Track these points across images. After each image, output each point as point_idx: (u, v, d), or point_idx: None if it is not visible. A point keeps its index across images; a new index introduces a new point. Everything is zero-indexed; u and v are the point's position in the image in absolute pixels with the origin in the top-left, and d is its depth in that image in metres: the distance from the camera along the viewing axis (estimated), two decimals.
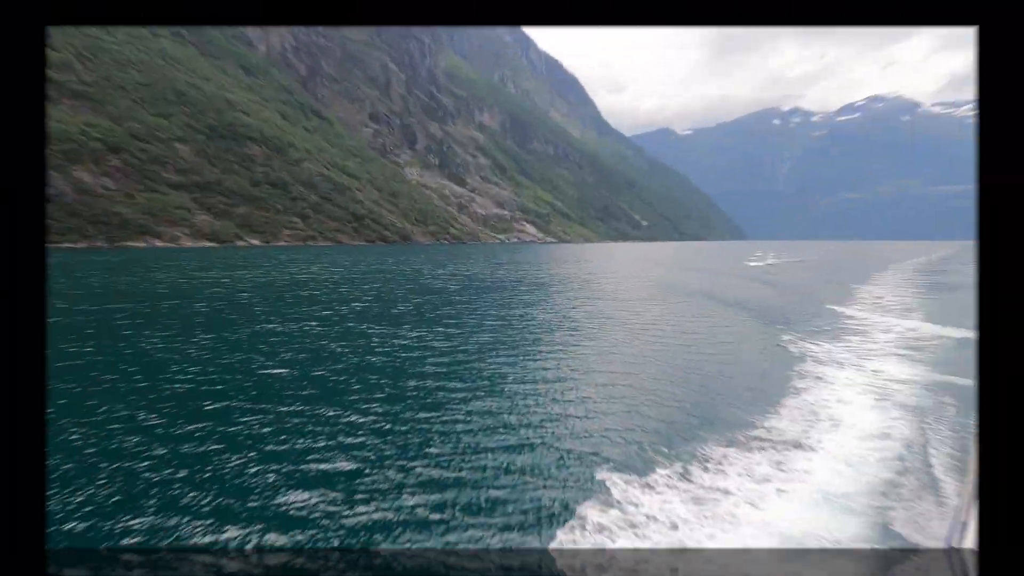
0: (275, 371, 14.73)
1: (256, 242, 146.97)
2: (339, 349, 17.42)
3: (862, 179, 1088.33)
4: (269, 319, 23.13)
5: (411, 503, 7.72)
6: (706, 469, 9.01)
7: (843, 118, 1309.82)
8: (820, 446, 10.00)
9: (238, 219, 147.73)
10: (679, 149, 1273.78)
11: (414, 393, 12.86)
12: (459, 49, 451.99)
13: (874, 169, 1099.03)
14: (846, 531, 7.14)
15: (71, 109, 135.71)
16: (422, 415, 11.41)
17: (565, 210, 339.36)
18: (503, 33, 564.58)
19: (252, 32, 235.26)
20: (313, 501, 7.71)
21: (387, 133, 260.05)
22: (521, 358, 16.58)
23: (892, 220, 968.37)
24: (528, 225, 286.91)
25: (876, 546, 6.75)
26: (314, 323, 22.32)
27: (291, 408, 11.67)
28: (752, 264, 78.60)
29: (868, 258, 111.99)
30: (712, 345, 18.78)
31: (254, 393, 12.77)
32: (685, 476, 8.64)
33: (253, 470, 8.75)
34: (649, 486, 8.28)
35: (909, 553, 6.63)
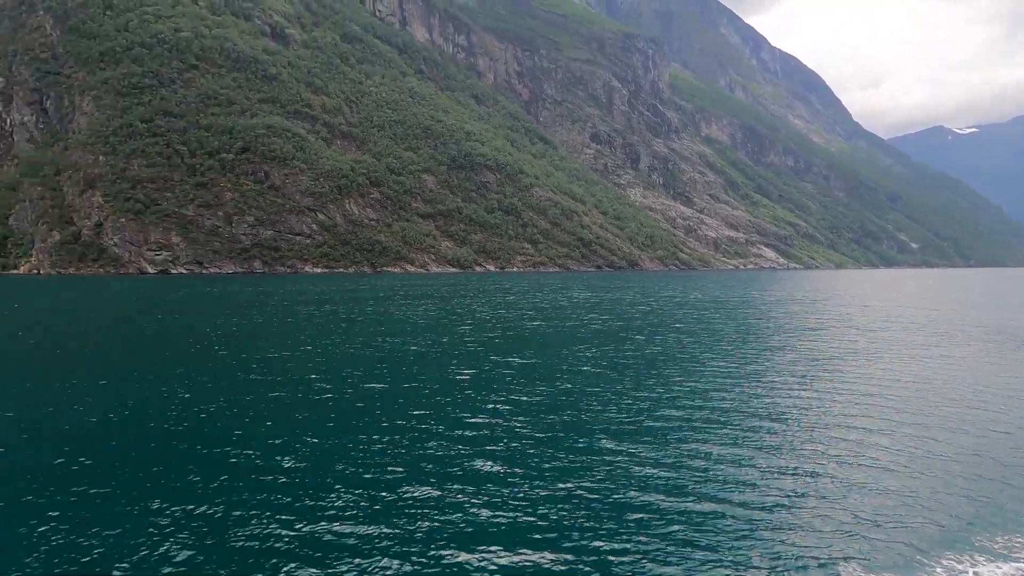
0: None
1: (492, 268, 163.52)
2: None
3: None
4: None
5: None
6: None
7: None
8: None
9: (476, 245, 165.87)
10: (957, 152, 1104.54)
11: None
12: (679, 56, 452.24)
13: None
14: None
15: (342, 148, 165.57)
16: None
17: (811, 231, 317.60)
18: (728, 33, 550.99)
19: (482, 62, 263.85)
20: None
21: (608, 153, 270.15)
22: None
23: None
24: (766, 249, 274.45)
25: None
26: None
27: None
28: None
29: None
30: None
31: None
32: None
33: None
34: None
35: None
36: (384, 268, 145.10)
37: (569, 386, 17.92)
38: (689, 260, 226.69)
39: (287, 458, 11.55)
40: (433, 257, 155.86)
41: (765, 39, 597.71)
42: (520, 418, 14.41)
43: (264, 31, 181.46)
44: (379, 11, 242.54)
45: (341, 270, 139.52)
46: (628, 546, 8.37)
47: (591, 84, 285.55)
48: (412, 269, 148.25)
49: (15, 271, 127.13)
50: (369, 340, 27.59)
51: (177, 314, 40.79)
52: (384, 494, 9.92)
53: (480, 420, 14.18)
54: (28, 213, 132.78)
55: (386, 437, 12.87)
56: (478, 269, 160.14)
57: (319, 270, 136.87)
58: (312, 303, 48.95)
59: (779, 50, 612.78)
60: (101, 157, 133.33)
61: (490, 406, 15.48)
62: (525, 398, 16.42)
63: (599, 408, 15.51)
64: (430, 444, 12.46)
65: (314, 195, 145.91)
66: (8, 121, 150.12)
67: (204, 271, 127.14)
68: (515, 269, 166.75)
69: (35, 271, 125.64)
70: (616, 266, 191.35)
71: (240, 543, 8.24)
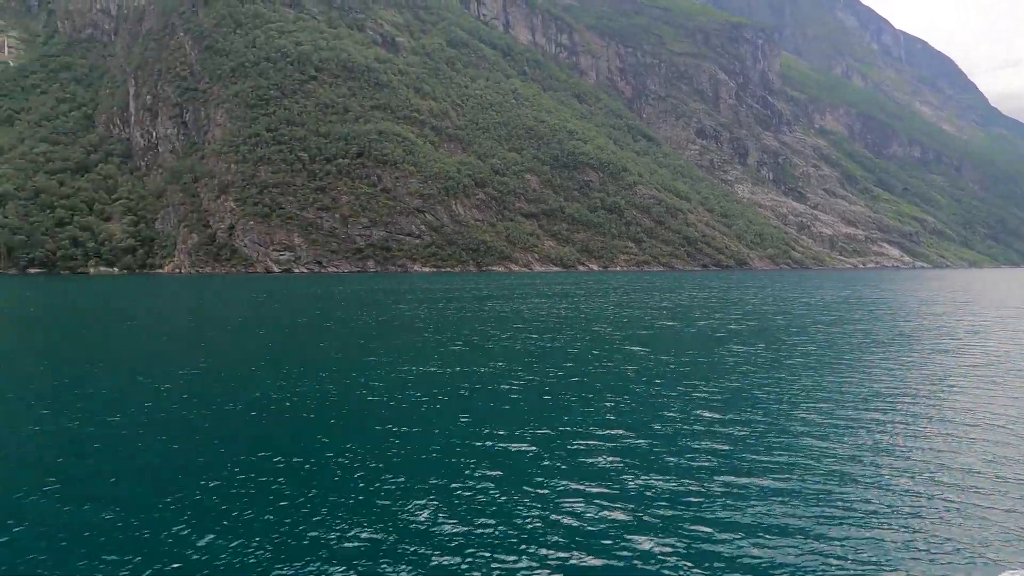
0: None
1: (595, 267, 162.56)
2: None
3: None
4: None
5: None
6: None
7: None
8: None
9: (579, 244, 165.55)
10: None
11: None
12: (790, 44, 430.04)
13: None
14: None
15: (448, 151, 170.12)
16: None
17: (939, 227, 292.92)
18: (845, 17, 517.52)
19: (584, 61, 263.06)
20: None
21: (715, 149, 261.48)
22: None
23: None
24: (889, 247, 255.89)
25: None
26: None
27: None
28: None
29: None
30: None
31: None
32: None
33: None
34: None
35: None
36: (488, 267, 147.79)
37: (738, 384, 17.62)
38: (802, 259, 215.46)
39: (494, 449, 12.16)
40: (536, 256, 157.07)
41: (887, 21, 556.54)
42: (707, 413, 14.36)
43: (376, 40, 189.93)
44: (483, 15, 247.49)
45: (448, 269, 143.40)
46: (863, 542, 8.20)
47: (696, 78, 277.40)
48: (516, 268, 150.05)
49: (160, 270, 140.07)
50: (515, 336, 28.33)
51: (334, 309, 43.61)
52: (580, 487, 10.24)
53: (668, 414, 14.29)
54: (171, 217, 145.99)
55: (574, 429, 13.24)
56: (581, 268, 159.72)
57: (427, 269, 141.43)
58: (440, 300, 50.87)
59: (903, 32, 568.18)
60: (233, 165, 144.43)
61: (673, 401, 15.56)
62: (701, 395, 16.32)
63: (787, 407, 15.17)
64: (629, 439, 12.68)
65: (423, 197, 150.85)
66: (154, 134, 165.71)
67: (323, 270, 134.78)
68: (618, 268, 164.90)
69: (177, 270, 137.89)
70: (723, 265, 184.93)
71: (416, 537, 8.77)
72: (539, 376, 18.66)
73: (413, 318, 36.92)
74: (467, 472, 10.55)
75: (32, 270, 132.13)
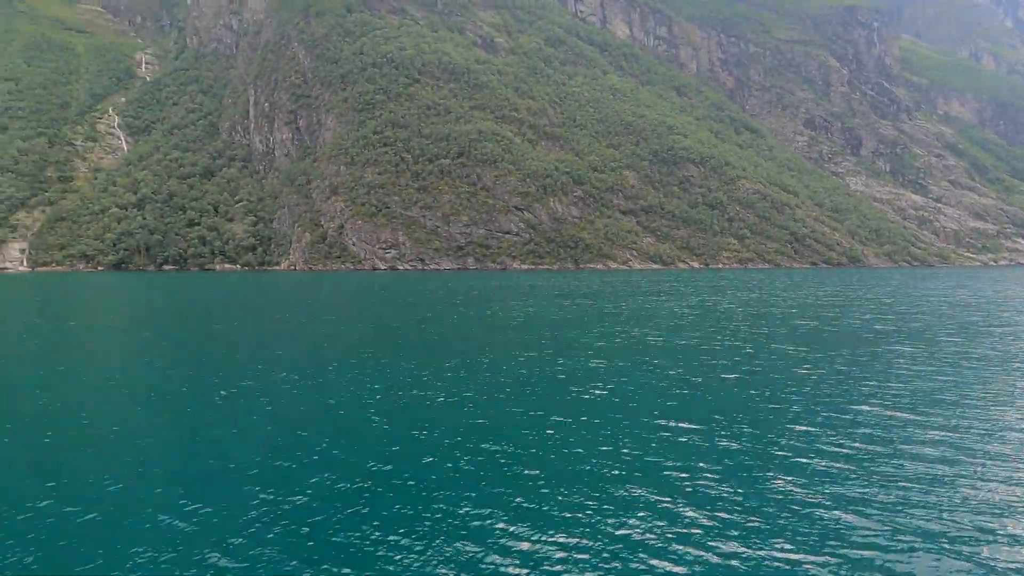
0: None
1: (696, 264, 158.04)
2: None
3: None
4: None
5: None
6: None
7: None
8: None
9: (679, 241, 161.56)
10: None
11: None
12: (910, 26, 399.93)
13: None
14: None
15: (546, 148, 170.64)
16: None
17: None
18: None
19: (683, 53, 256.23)
20: None
21: (825, 140, 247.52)
22: None
23: None
24: None
25: None
26: None
27: None
28: None
29: None
30: None
31: None
32: None
33: None
34: None
35: None
36: (586, 265, 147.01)
37: (929, 385, 16.45)
38: (924, 256, 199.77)
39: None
40: (635, 254, 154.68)
41: None
42: (906, 415, 13.49)
43: (475, 42, 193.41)
44: (580, 12, 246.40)
45: (545, 267, 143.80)
46: None
47: (804, 66, 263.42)
48: (614, 266, 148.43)
49: (276, 267, 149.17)
50: (651, 333, 28.02)
51: (456, 306, 44.98)
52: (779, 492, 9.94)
53: (865, 409, 13.63)
54: (287, 217, 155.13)
55: (757, 427, 12.90)
56: (681, 266, 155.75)
57: (525, 267, 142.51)
58: (551, 297, 51.20)
59: None
60: (342, 167, 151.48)
61: (864, 401, 14.76)
62: (890, 395, 15.30)
63: (995, 410, 14.06)
64: (831, 437, 12.20)
65: (521, 195, 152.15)
66: (271, 139, 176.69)
67: (425, 268, 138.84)
68: (720, 266, 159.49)
69: (292, 267, 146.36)
70: (834, 262, 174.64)
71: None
72: (701, 374, 18.30)
73: (537, 315, 37.32)
74: (679, 466, 10.43)
75: (166, 267, 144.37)
